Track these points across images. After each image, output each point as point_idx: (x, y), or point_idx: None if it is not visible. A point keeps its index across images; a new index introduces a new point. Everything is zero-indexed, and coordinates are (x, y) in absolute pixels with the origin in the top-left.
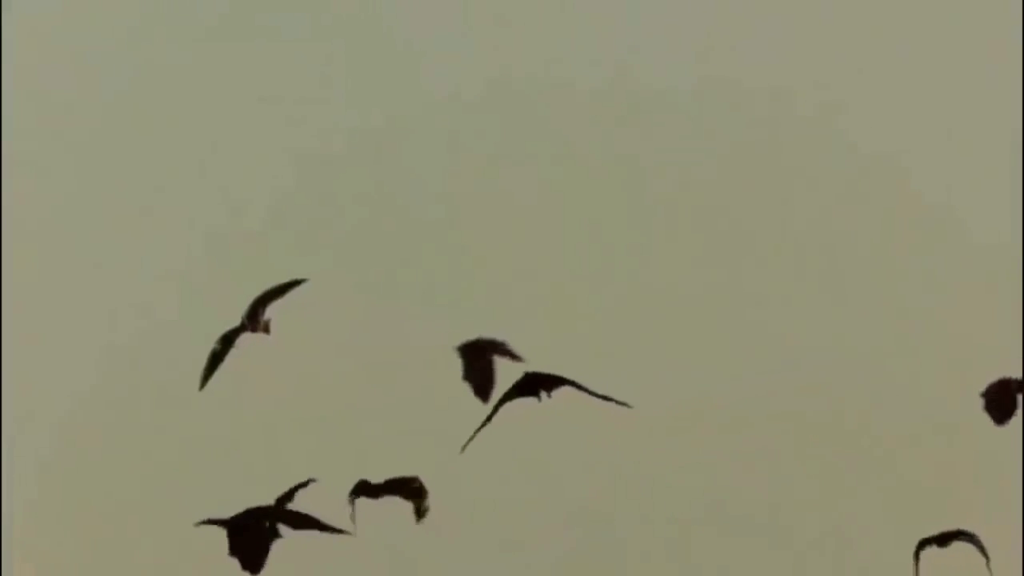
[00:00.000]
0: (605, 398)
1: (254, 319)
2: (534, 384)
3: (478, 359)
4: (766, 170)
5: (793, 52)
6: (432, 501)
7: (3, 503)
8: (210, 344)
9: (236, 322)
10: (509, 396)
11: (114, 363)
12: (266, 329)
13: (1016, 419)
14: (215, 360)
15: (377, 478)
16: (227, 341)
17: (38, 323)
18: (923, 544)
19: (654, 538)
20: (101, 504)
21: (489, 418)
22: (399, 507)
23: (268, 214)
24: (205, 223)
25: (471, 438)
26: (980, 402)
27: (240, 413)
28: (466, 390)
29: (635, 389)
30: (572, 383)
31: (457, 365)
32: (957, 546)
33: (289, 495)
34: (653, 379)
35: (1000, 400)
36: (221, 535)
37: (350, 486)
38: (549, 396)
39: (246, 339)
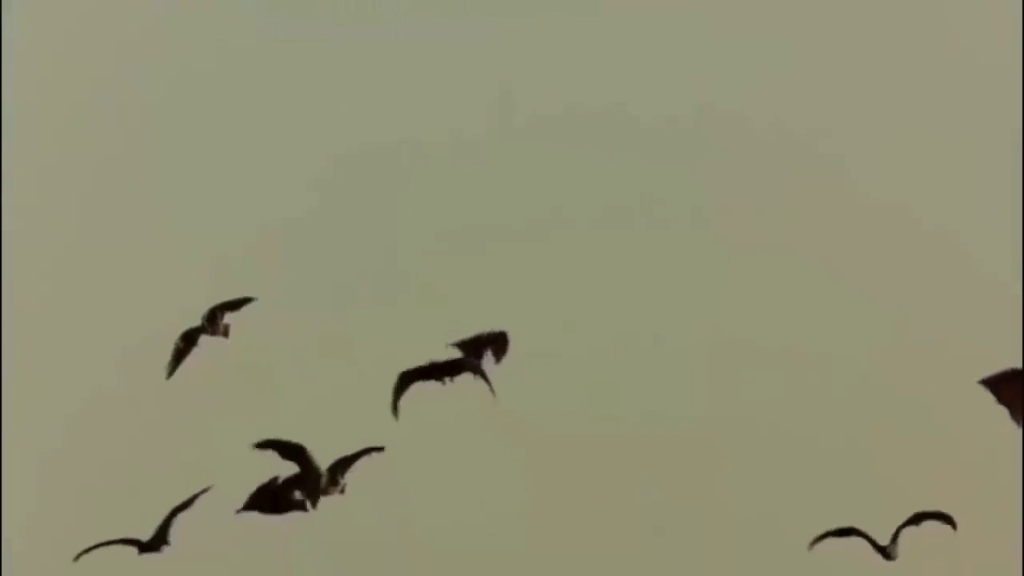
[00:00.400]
0: (489, 385)
1: (213, 323)
2: (437, 371)
3: (475, 351)
4: (763, 190)
5: (790, 82)
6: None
7: (3, 509)
8: (213, 351)
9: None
10: (411, 378)
11: (115, 370)
12: (225, 333)
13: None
14: (178, 355)
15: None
16: (188, 339)
17: (43, 331)
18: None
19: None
20: (102, 509)
21: (396, 400)
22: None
23: (268, 223)
24: (208, 230)
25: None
26: (978, 404)
27: (243, 417)
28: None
29: (633, 404)
30: (474, 369)
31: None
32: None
33: (190, 501)
34: (650, 392)
35: (1011, 393)
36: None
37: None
38: (452, 381)
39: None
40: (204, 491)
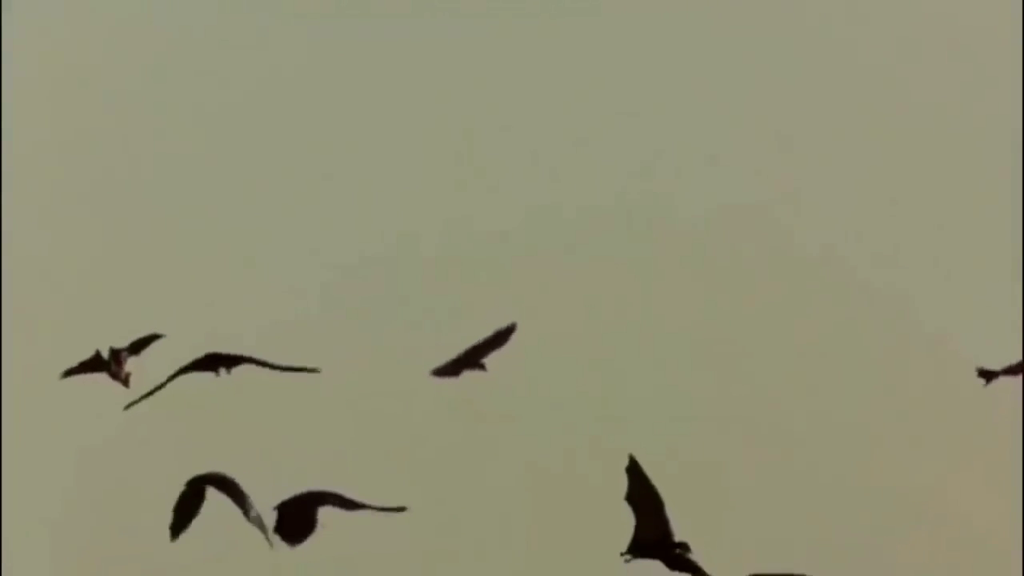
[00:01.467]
0: (291, 368)
1: (117, 363)
2: (214, 362)
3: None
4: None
5: (800, 184)
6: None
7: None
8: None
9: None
10: (186, 370)
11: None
12: (125, 382)
13: (1016, 419)
14: (81, 367)
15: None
16: (96, 362)
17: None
18: None
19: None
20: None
21: (161, 385)
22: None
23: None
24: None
25: (138, 400)
26: (979, 408)
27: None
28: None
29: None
30: (253, 360)
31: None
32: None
33: None
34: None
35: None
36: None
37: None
38: (228, 372)
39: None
40: None
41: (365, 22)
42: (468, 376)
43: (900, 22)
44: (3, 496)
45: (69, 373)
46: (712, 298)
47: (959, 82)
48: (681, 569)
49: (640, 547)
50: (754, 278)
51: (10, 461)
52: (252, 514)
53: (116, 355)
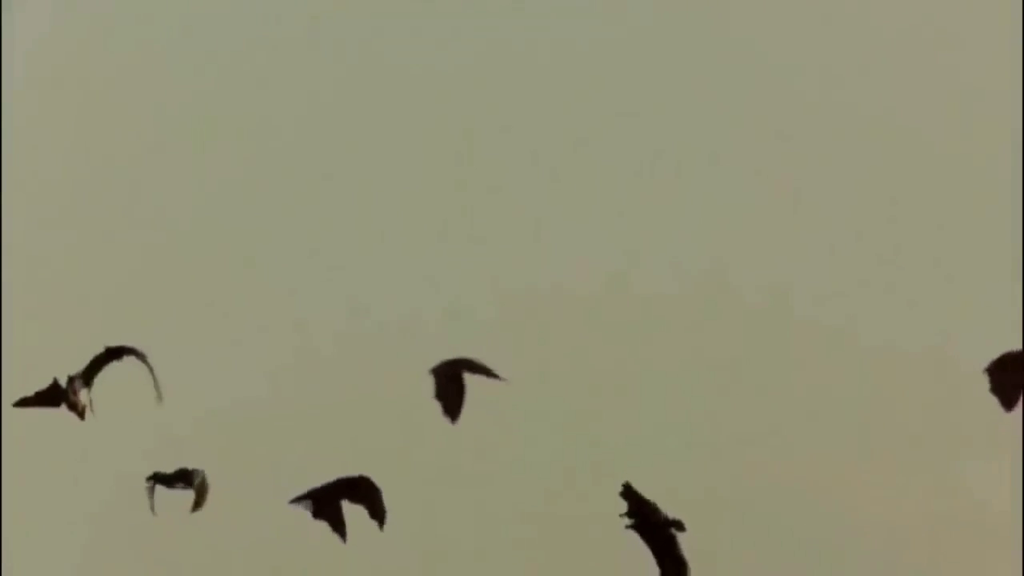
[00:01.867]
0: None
1: (73, 391)
2: (117, 354)
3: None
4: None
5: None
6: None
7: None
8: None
9: None
10: (97, 367)
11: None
12: (81, 415)
13: (1016, 417)
14: (35, 398)
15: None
16: (54, 393)
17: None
18: None
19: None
20: None
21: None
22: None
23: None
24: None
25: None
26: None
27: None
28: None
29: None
30: (140, 356)
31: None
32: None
33: None
34: None
35: (1005, 382)
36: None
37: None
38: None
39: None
40: None
41: (365, 22)
42: (469, 387)
43: (900, 23)
44: (3, 496)
45: (24, 404)
46: (713, 296)
47: (959, 82)
48: (669, 557)
49: (634, 516)
50: (753, 276)
51: (10, 461)
52: (197, 480)
53: (71, 384)
